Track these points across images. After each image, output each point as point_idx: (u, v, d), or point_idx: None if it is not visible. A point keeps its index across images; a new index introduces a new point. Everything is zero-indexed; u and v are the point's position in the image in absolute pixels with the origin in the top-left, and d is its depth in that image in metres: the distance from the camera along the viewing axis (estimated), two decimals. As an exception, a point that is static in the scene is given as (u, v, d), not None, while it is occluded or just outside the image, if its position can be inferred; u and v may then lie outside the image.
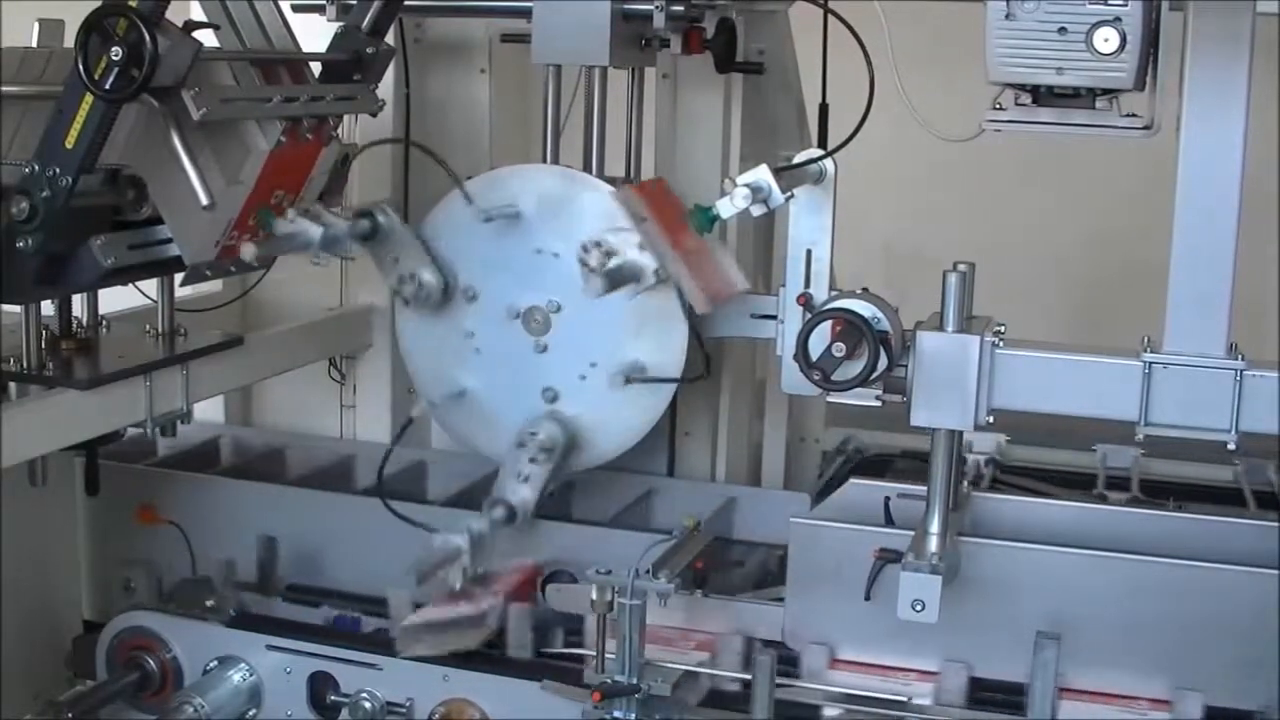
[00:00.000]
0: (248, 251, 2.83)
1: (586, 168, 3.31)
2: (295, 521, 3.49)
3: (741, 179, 2.68)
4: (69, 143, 2.58)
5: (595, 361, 3.22)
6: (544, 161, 3.31)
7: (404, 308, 3.34)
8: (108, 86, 2.53)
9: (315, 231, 2.93)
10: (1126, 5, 2.69)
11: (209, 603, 3.27)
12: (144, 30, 2.49)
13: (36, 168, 2.59)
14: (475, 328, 3.30)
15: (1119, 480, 3.84)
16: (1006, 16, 2.75)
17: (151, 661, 3.15)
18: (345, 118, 3.32)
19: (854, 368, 2.79)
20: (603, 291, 2.87)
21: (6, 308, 2.87)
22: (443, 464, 3.74)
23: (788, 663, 2.97)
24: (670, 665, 2.93)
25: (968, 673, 2.93)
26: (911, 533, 2.88)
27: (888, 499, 3.14)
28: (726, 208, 2.68)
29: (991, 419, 2.86)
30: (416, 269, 3.22)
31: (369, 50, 3.13)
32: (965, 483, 3.18)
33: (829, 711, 2.91)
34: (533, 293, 3.24)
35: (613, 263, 2.90)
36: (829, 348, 2.80)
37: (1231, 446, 2.81)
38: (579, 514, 3.58)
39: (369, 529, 3.39)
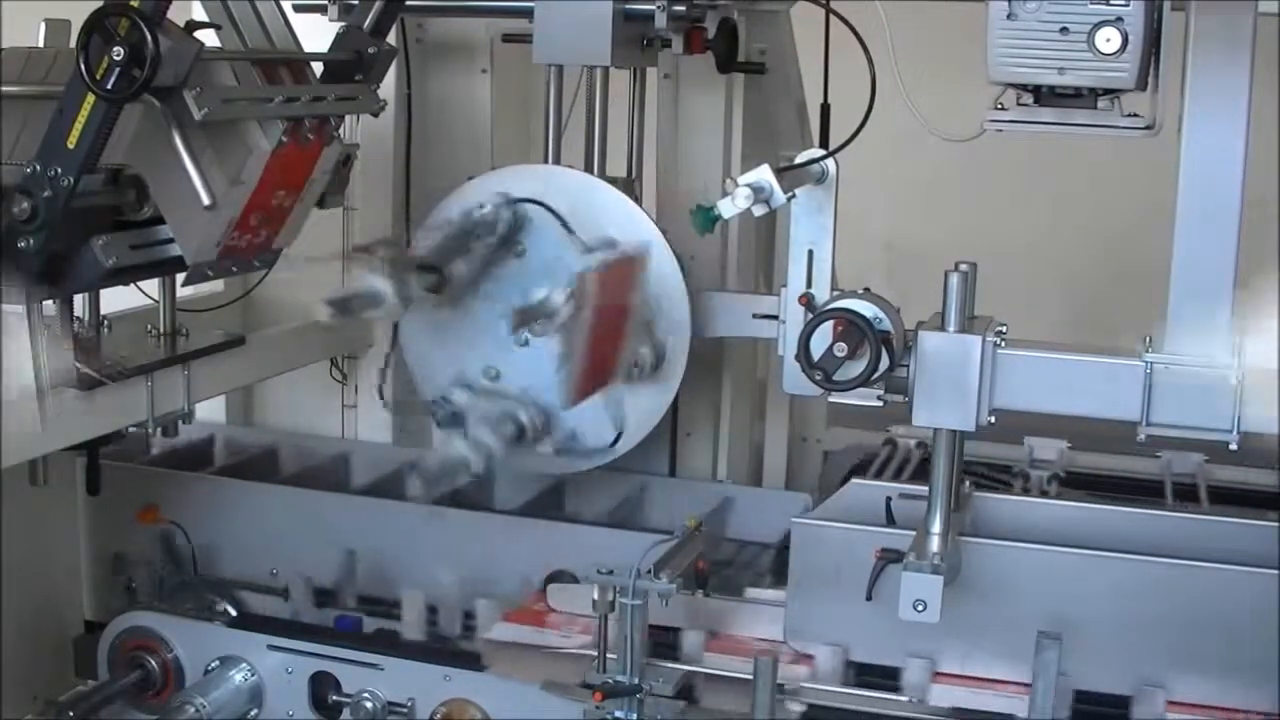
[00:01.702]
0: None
1: (588, 168, 3.31)
2: (292, 520, 3.48)
3: (743, 179, 2.68)
4: (71, 143, 2.58)
5: None
6: (545, 161, 3.31)
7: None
8: (109, 86, 2.52)
9: (386, 289, 2.86)
10: (1128, 5, 2.69)
11: (206, 604, 3.28)
12: (145, 30, 2.48)
13: (38, 168, 2.59)
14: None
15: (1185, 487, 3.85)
16: (1008, 16, 2.75)
17: (153, 661, 3.15)
18: (347, 118, 3.31)
19: (856, 368, 2.79)
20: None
21: (8, 307, 2.87)
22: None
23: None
24: (670, 666, 2.93)
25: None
26: (913, 533, 2.88)
27: (889, 499, 3.14)
28: (728, 208, 2.68)
29: (993, 419, 2.86)
30: None
31: (370, 50, 3.13)
32: (968, 482, 3.17)
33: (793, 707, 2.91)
34: (530, 293, 3.22)
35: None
36: (831, 348, 2.79)
37: (1233, 447, 2.81)
38: (580, 514, 3.58)
39: (365, 529, 3.40)
